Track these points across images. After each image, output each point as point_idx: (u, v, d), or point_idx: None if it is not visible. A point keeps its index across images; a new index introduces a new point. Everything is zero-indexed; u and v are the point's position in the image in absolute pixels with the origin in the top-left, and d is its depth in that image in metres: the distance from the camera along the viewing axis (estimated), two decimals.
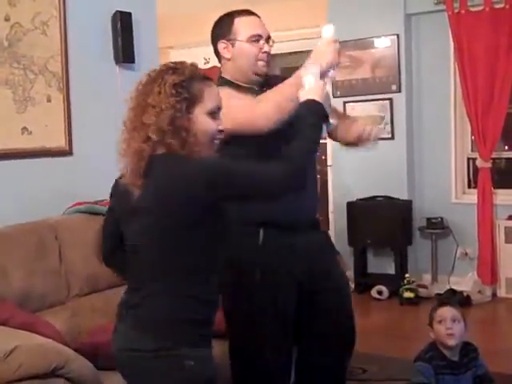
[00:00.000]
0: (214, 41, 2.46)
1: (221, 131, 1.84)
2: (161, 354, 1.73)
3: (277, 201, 1.95)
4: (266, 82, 2.42)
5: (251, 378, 2.43)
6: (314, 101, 1.91)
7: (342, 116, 2.74)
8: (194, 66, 1.83)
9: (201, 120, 1.78)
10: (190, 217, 1.72)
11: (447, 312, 2.78)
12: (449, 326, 2.73)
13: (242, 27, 2.39)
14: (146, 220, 1.76)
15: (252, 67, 2.38)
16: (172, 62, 1.84)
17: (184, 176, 1.71)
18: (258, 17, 2.47)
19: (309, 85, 1.94)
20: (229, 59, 2.41)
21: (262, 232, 2.34)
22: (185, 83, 1.76)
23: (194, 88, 1.77)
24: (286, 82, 2.22)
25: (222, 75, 2.48)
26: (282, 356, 2.43)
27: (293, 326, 2.44)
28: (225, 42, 2.40)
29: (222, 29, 2.43)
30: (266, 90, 2.32)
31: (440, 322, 2.76)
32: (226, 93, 2.15)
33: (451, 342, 2.73)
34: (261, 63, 2.38)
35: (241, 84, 2.41)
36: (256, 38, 2.37)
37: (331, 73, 2.22)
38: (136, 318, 1.79)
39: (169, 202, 1.72)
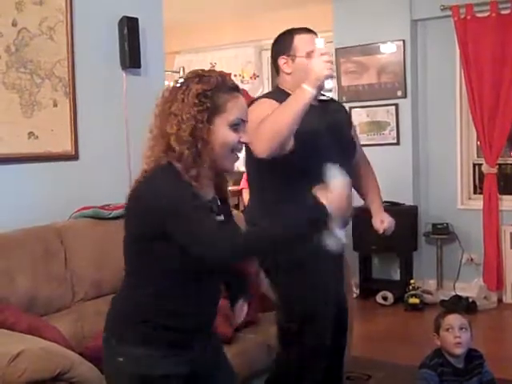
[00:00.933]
0: (275, 56, 2.66)
1: (242, 143, 1.81)
2: (105, 345, 1.84)
3: None
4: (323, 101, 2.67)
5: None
6: (324, 216, 1.71)
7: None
8: (221, 75, 1.81)
9: (221, 131, 1.76)
10: (143, 236, 1.75)
11: (455, 320, 2.76)
12: (457, 335, 2.71)
13: (302, 44, 2.58)
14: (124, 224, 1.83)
15: None
16: (201, 70, 1.83)
17: (144, 197, 1.73)
18: (316, 34, 2.65)
19: (335, 190, 1.74)
20: (289, 73, 2.62)
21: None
22: (209, 93, 1.74)
23: (218, 98, 1.75)
24: (284, 104, 2.34)
25: (279, 86, 2.68)
26: None
27: None
28: (285, 57, 2.61)
29: (282, 45, 2.63)
30: (321, 106, 2.59)
31: (448, 329, 2.73)
32: (265, 102, 2.51)
33: (458, 351, 2.72)
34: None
35: None
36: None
37: (328, 83, 2.33)
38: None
39: (128, 216, 1.79)
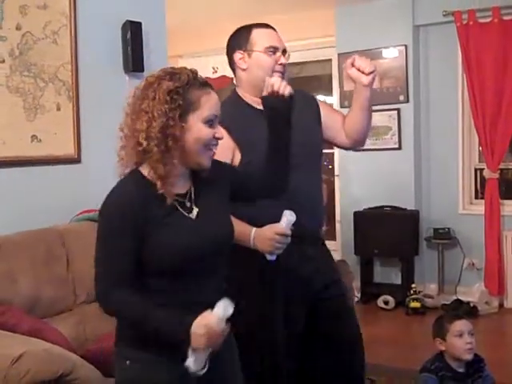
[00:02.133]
0: (230, 51, 2.49)
1: (218, 138, 1.79)
2: (115, 350, 1.83)
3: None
4: None
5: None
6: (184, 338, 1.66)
7: None
8: (193, 72, 1.79)
9: (195, 127, 1.74)
10: None
11: (465, 326, 2.75)
12: (469, 341, 2.70)
13: (260, 38, 2.43)
14: None
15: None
16: (171, 68, 1.81)
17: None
18: (275, 30, 2.49)
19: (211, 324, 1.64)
20: (244, 69, 2.45)
21: None
22: (180, 89, 1.72)
23: (190, 95, 1.73)
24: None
25: (236, 89, 2.51)
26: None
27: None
28: (241, 52, 2.44)
29: (239, 39, 2.46)
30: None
31: (459, 335, 2.72)
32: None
33: (469, 357, 2.71)
34: (276, 75, 2.35)
35: (250, 103, 2.44)
36: (273, 50, 2.41)
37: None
38: None
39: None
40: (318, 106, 2.67)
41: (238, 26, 2.54)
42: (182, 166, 1.78)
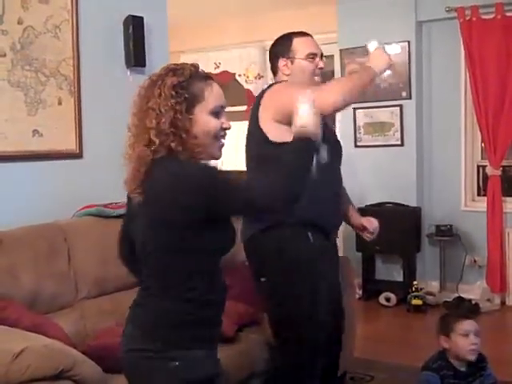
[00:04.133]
0: (274, 58, 2.75)
1: (225, 129, 1.82)
2: (147, 355, 1.76)
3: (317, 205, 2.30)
4: None
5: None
6: (306, 139, 1.78)
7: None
8: (194, 66, 1.83)
9: (203, 119, 1.77)
10: (180, 222, 1.70)
11: (472, 326, 2.73)
12: (474, 342, 2.69)
13: (300, 46, 2.69)
14: (144, 223, 1.78)
15: (309, 81, 2.65)
16: (173, 64, 1.84)
17: (176, 179, 1.71)
18: (312, 36, 2.77)
19: (304, 113, 1.82)
20: (288, 75, 2.70)
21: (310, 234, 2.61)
22: (184, 83, 1.76)
23: (194, 87, 1.77)
24: (356, 75, 2.58)
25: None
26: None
27: None
28: (284, 59, 2.70)
29: (281, 48, 2.72)
30: None
31: (464, 335, 2.71)
32: (283, 84, 2.59)
33: (473, 357, 2.71)
34: (317, 78, 2.70)
35: None
36: (313, 56, 2.69)
37: (387, 73, 2.57)
38: (134, 317, 1.83)
39: (160, 205, 1.72)
40: None
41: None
42: (195, 159, 1.79)
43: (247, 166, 2.74)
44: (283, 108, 2.41)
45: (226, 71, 6.67)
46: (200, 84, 1.79)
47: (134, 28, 3.70)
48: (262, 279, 2.64)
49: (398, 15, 5.55)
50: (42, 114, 3.32)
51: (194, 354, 1.77)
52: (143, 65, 3.74)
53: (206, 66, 6.83)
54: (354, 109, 5.76)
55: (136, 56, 3.72)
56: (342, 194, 2.96)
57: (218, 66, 6.70)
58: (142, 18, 3.75)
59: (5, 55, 3.16)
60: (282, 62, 2.70)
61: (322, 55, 2.74)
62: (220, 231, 1.77)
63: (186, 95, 1.75)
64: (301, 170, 1.76)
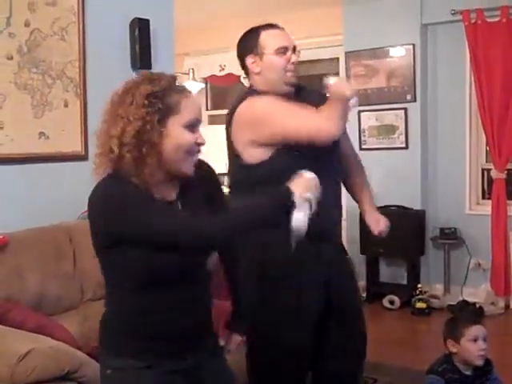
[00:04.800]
0: (242, 56, 2.51)
1: (199, 144, 1.71)
2: (99, 358, 1.81)
3: None
4: (296, 93, 2.49)
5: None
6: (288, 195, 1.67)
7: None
8: (172, 77, 1.74)
9: (175, 132, 1.66)
10: (102, 243, 1.71)
11: (481, 331, 2.72)
12: (483, 347, 2.69)
13: (269, 40, 2.44)
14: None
15: (282, 78, 2.43)
16: (150, 72, 1.78)
17: (90, 208, 1.71)
18: (283, 28, 2.51)
19: (298, 220, 1.70)
20: (258, 73, 2.47)
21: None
22: (159, 93, 1.66)
23: (169, 99, 1.66)
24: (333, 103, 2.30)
25: (253, 88, 2.51)
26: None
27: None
28: (252, 56, 2.45)
29: (248, 43, 2.48)
30: (299, 99, 2.41)
31: (473, 340, 2.70)
32: (269, 99, 2.35)
33: (481, 362, 2.70)
34: (289, 74, 2.44)
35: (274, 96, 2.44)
36: (283, 50, 2.44)
37: (353, 101, 2.28)
38: None
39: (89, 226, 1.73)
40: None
41: (246, 27, 2.56)
42: (162, 173, 1.70)
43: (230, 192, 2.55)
44: (259, 130, 2.32)
45: (231, 73, 6.67)
46: (176, 96, 1.68)
47: (140, 31, 3.72)
48: None
49: (403, 18, 5.55)
50: (49, 117, 3.34)
51: (127, 364, 1.72)
52: (149, 67, 3.75)
53: (211, 68, 6.85)
54: (359, 111, 5.76)
55: (142, 58, 3.73)
56: (358, 183, 2.73)
57: (223, 69, 6.71)
58: (148, 21, 3.76)
59: (12, 58, 3.17)
60: (249, 60, 2.46)
61: (294, 48, 2.48)
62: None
63: (160, 106, 1.65)
64: (256, 226, 1.72)
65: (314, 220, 1.83)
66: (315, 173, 1.79)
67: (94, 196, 1.71)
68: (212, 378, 1.84)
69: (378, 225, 2.69)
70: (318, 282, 2.43)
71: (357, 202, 2.76)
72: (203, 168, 1.83)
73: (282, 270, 2.36)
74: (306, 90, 2.57)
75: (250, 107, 2.40)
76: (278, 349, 2.39)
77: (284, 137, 2.32)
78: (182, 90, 1.72)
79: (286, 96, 2.43)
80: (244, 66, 2.52)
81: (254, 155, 2.37)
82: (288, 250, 1.83)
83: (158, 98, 1.66)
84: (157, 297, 1.71)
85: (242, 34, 2.53)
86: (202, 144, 1.73)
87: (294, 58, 2.45)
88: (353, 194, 2.76)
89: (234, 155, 2.44)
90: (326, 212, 2.22)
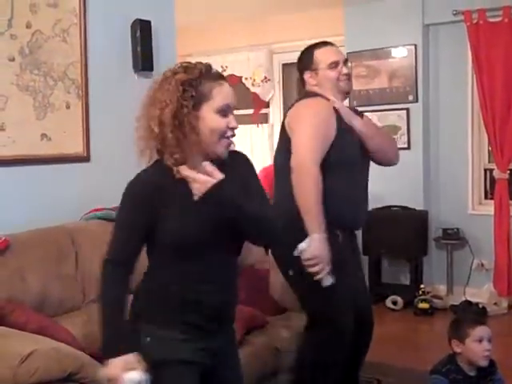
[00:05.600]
0: (301, 72, 2.95)
1: (232, 128, 1.85)
2: (134, 328, 1.87)
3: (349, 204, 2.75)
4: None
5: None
6: None
7: None
8: (207, 65, 1.87)
9: (209, 118, 1.81)
10: None
11: (486, 332, 2.72)
12: (488, 348, 2.69)
13: (322, 57, 2.87)
14: None
15: (336, 88, 2.86)
16: (187, 62, 1.90)
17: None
18: (333, 45, 2.95)
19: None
20: (315, 85, 2.89)
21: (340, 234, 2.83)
22: (194, 82, 1.80)
23: (202, 86, 1.80)
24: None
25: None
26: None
27: None
28: (309, 72, 2.89)
29: (305, 62, 2.92)
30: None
31: (479, 341, 2.70)
32: (324, 113, 2.82)
33: (485, 363, 2.70)
34: (342, 83, 2.88)
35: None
36: (335, 64, 2.86)
37: (326, 282, 2.68)
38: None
39: None
40: None
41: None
42: (200, 155, 1.83)
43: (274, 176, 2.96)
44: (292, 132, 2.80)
45: (233, 74, 6.67)
46: (209, 83, 1.82)
47: (142, 32, 3.72)
48: (290, 273, 2.84)
49: (404, 18, 5.55)
50: (51, 118, 3.34)
51: (166, 334, 1.85)
52: (151, 69, 3.75)
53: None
54: (362, 112, 5.74)
55: (144, 60, 3.73)
56: None
57: (225, 70, 6.71)
58: (149, 22, 3.76)
59: (13, 59, 3.18)
60: (307, 75, 2.90)
61: (345, 61, 2.91)
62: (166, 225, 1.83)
63: (194, 93, 1.79)
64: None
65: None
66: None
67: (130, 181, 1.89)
68: (229, 362, 2.01)
69: None
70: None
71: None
72: (240, 156, 1.98)
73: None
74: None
75: (306, 107, 2.84)
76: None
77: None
78: (216, 78, 1.85)
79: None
80: (303, 81, 2.94)
81: None
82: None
83: (191, 85, 1.80)
84: (196, 273, 1.86)
85: (299, 54, 2.98)
86: (235, 128, 1.86)
87: (345, 70, 2.88)
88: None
89: (282, 137, 2.87)
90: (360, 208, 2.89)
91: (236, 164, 1.92)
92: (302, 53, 2.96)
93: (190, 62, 1.88)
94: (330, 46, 2.93)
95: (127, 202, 1.85)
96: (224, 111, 1.83)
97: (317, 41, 2.97)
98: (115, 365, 1.74)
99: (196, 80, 1.80)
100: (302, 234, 2.64)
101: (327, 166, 2.71)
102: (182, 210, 1.81)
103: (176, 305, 1.86)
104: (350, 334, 2.80)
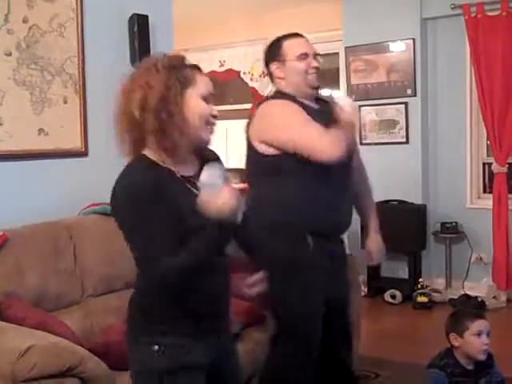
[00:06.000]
0: (267, 63, 2.77)
1: (214, 116, 1.84)
2: (136, 339, 1.82)
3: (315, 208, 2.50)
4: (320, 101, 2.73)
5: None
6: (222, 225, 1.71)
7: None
8: (182, 55, 1.88)
9: (194, 102, 1.79)
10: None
11: (485, 326, 2.73)
12: (486, 342, 2.69)
13: (290, 48, 2.70)
14: None
15: (304, 81, 2.67)
16: (163, 53, 1.90)
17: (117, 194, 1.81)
18: (304, 36, 2.77)
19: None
20: (282, 78, 2.71)
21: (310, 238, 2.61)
22: (178, 67, 1.80)
23: (186, 71, 1.80)
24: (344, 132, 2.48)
25: (279, 90, 2.73)
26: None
27: None
28: (276, 63, 2.71)
29: (272, 52, 2.75)
30: (323, 110, 2.64)
31: (477, 335, 2.71)
32: (289, 105, 2.58)
33: (483, 357, 2.71)
34: (311, 76, 2.68)
35: (299, 99, 2.65)
36: (304, 56, 2.68)
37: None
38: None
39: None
40: None
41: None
42: (184, 141, 1.78)
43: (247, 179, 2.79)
44: (264, 136, 2.58)
45: (231, 69, 6.67)
46: (191, 70, 1.82)
47: (139, 26, 3.71)
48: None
49: (402, 12, 5.54)
50: (48, 113, 3.33)
51: (174, 340, 1.79)
52: None
53: (211, 64, 6.83)
54: (360, 106, 5.75)
55: (141, 54, 3.71)
56: (362, 194, 2.98)
57: (223, 64, 6.70)
58: (146, 17, 3.75)
59: (10, 54, 3.17)
60: (274, 66, 2.72)
61: (315, 54, 2.72)
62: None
63: (180, 78, 1.78)
64: (206, 256, 1.75)
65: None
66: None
67: (118, 185, 1.81)
68: (229, 359, 1.98)
69: (371, 258, 3.11)
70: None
71: (362, 220, 3.13)
72: (212, 152, 1.96)
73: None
74: (328, 102, 2.75)
75: (270, 106, 2.67)
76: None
77: (286, 146, 2.53)
78: (195, 66, 1.86)
79: (309, 99, 2.68)
80: (270, 72, 2.76)
81: (266, 149, 2.59)
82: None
83: (177, 69, 1.79)
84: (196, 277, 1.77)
85: (268, 43, 2.79)
86: (216, 116, 1.86)
87: (314, 63, 2.69)
88: (360, 212, 3.06)
89: (249, 147, 2.68)
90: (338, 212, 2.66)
91: (213, 159, 1.92)
92: (270, 44, 2.78)
93: (165, 53, 1.89)
94: (300, 38, 2.75)
95: (140, 201, 1.71)
96: (207, 99, 1.83)
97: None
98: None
99: (180, 66, 1.81)
100: (279, 241, 2.55)
101: (297, 165, 2.52)
102: (186, 203, 1.75)
103: (183, 300, 1.80)
104: (316, 344, 2.65)
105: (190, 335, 1.81)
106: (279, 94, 2.71)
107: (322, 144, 2.46)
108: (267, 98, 2.80)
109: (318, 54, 2.74)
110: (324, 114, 2.62)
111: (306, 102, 2.67)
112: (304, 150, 2.48)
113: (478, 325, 2.72)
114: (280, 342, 2.66)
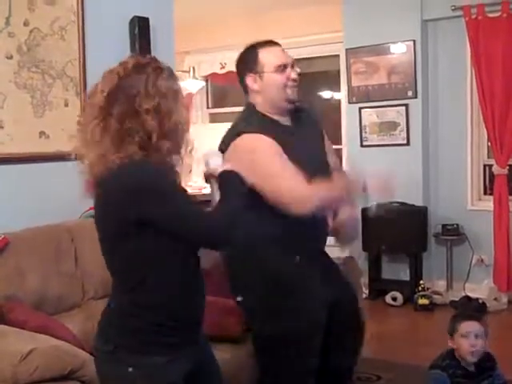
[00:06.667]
0: (241, 74, 2.55)
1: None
2: (104, 357, 1.80)
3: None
4: (295, 112, 2.56)
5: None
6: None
7: None
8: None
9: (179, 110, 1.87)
10: (117, 229, 1.78)
11: (472, 327, 2.73)
12: (473, 343, 2.69)
13: (268, 58, 2.48)
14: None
15: (282, 95, 2.48)
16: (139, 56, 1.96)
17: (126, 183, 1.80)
18: (279, 45, 2.55)
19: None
20: (258, 91, 2.51)
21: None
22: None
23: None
24: (329, 187, 2.39)
25: (255, 107, 2.54)
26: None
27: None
28: (252, 75, 2.50)
29: (247, 62, 2.53)
30: (297, 126, 2.51)
31: (464, 336, 2.71)
32: (265, 145, 2.36)
33: (472, 359, 2.70)
34: (289, 90, 2.48)
35: (273, 118, 2.49)
36: (282, 68, 2.48)
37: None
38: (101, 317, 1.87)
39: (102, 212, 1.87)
40: (322, 132, 2.74)
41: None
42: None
43: None
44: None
45: (232, 71, 6.66)
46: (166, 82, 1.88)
47: (140, 29, 3.71)
48: (239, 299, 2.54)
49: (403, 14, 5.53)
50: (49, 116, 3.34)
51: (150, 360, 1.74)
52: None
53: (212, 66, 6.84)
54: (360, 108, 5.76)
55: None
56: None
57: (224, 67, 6.70)
58: (147, 19, 3.76)
59: (11, 57, 3.17)
60: (249, 79, 2.50)
61: (293, 64, 2.52)
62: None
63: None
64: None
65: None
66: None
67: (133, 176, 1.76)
68: (208, 362, 1.96)
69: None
70: None
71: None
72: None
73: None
74: (305, 110, 2.63)
75: (241, 148, 2.40)
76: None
77: (259, 189, 2.31)
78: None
79: (283, 114, 2.51)
80: (244, 85, 2.55)
81: None
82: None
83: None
84: (174, 278, 1.79)
85: (240, 52, 2.58)
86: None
87: (293, 75, 2.49)
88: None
89: None
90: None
91: None
92: (243, 52, 2.57)
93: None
94: (276, 46, 2.52)
95: (168, 183, 1.78)
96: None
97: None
98: None
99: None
100: (261, 263, 2.42)
101: (256, 200, 2.29)
102: None
103: (159, 322, 1.76)
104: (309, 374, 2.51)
105: (166, 354, 1.76)
106: (251, 113, 2.53)
107: (295, 195, 2.31)
108: (237, 132, 2.47)
109: (295, 65, 2.54)
110: (297, 129, 2.52)
111: (280, 120, 2.51)
112: (272, 196, 2.33)
113: (466, 326, 2.73)
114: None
